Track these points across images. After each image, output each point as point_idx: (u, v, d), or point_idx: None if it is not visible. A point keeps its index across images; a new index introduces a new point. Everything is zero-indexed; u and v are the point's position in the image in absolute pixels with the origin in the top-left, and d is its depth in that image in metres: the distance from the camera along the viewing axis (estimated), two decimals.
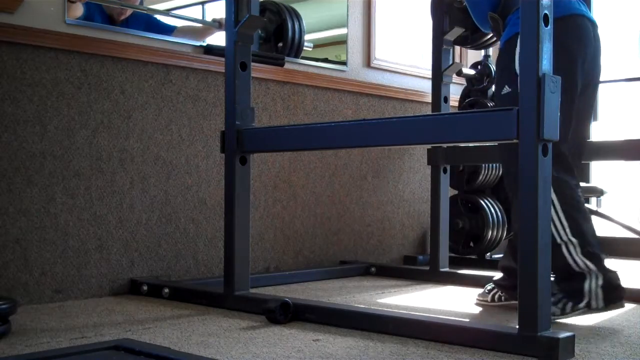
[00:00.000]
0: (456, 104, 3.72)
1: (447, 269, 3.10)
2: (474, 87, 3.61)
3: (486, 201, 3.53)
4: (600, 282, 2.11)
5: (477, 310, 2.39)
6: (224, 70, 2.39)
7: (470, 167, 3.55)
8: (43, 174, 2.41)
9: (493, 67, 3.56)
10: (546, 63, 1.71)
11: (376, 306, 2.39)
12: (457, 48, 3.93)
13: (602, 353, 1.75)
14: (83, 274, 2.50)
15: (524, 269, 1.72)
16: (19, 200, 2.35)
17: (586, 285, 2.11)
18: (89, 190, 2.52)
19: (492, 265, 3.42)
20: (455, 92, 3.61)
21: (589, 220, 2.19)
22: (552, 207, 2.09)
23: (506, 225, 3.52)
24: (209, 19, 3.22)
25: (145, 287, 2.56)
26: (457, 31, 3.07)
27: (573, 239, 2.12)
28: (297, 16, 3.30)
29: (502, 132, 1.77)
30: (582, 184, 4.16)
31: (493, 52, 3.65)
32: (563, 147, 2.17)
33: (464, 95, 3.68)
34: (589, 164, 4.37)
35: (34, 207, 2.38)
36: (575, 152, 2.36)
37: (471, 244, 3.59)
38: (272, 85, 3.11)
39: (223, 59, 2.39)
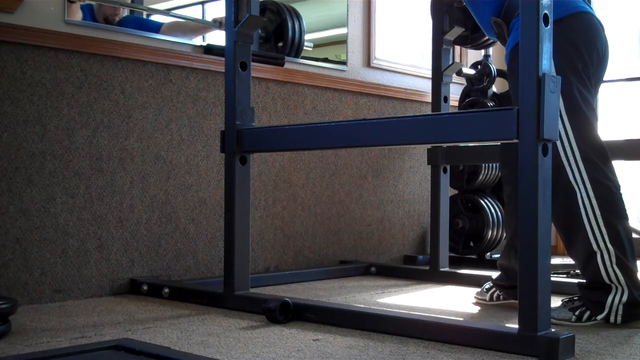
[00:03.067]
0: (456, 103, 3.72)
1: (447, 269, 3.10)
2: (474, 87, 3.61)
3: (486, 201, 3.53)
4: (625, 298, 2.06)
5: (477, 310, 2.39)
6: (224, 70, 2.39)
7: (470, 167, 3.55)
8: (43, 173, 2.41)
9: (493, 67, 3.56)
10: (546, 63, 1.71)
11: (376, 306, 2.39)
12: (457, 48, 3.93)
13: (602, 353, 1.75)
14: (83, 274, 2.50)
15: (524, 269, 1.72)
16: (19, 200, 2.35)
17: (609, 299, 2.07)
18: (89, 190, 2.52)
19: (492, 265, 3.42)
20: (455, 92, 3.61)
21: (628, 227, 2.14)
22: (592, 212, 2.08)
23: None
24: (209, 18, 3.23)
25: (145, 287, 2.56)
26: (457, 31, 3.07)
27: (610, 247, 2.07)
28: (297, 16, 3.30)
29: (502, 132, 1.77)
30: None
31: (493, 52, 3.65)
32: (603, 146, 2.13)
33: (464, 95, 3.68)
34: None
35: (34, 206, 2.38)
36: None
37: (471, 244, 3.59)
38: (272, 85, 3.11)
39: (223, 59, 2.39)
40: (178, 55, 2.77)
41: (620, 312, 2.06)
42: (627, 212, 2.15)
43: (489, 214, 3.48)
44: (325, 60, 3.46)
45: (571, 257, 2.19)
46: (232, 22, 2.33)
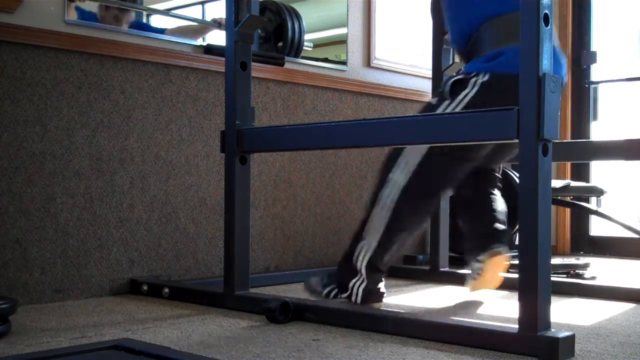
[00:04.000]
0: None
1: (447, 269, 3.10)
2: None
3: None
4: (364, 285, 2.27)
5: (477, 310, 2.39)
6: (224, 70, 2.39)
7: None
8: (43, 173, 2.41)
9: None
10: (546, 63, 1.71)
11: None
12: None
13: (602, 353, 1.75)
14: (83, 274, 2.50)
15: (524, 269, 1.72)
16: (19, 200, 2.35)
17: (351, 283, 2.28)
18: (89, 190, 2.52)
19: None
20: None
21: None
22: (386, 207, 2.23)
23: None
24: (208, 18, 3.23)
25: (145, 287, 2.56)
26: None
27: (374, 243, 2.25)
28: (297, 16, 3.30)
29: (502, 131, 1.77)
30: (582, 184, 4.17)
31: None
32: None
33: None
34: (588, 163, 4.38)
35: (34, 206, 2.38)
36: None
37: None
38: (272, 85, 3.11)
39: (223, 59, 2.39)
40: (178, 55, 2.77)
41: (360, 294, 2.27)
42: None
43: None
44: (325, 60, 3.46)
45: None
46: (232, 22, 2.33)
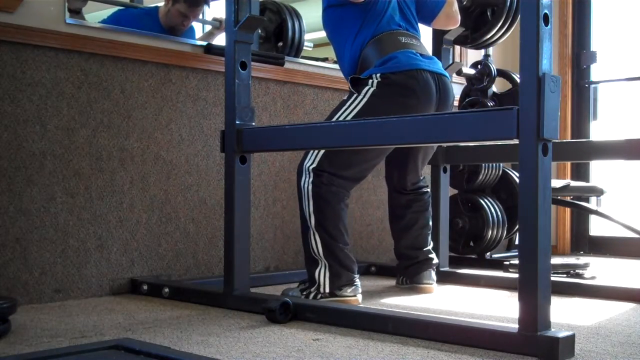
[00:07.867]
0: (456, 103, 3.72)
1: (447, 269, 3.10)
2: (474, 87, 3.61)
3: (486, 201, 3.53)
4: (328, 272, 2.39)
5: (477, 310, 2.39)
6: (224, 70, 2.39)
7: (470, 167, 3.55)
8: (43, 173, 2.41)
9: (493, 67, 3.55)
10: (546, 63, 1.71)
11: (376, 306, 2.39)
12: (457, 48, 3.93)
13: (602, 353, 1.75)
14: (83, 274, 2.50)
15: (524, 269, 1.72)
16: (19, 200, 2.35)
17: (316, 273, 2.41)
18: (88, 189, 2.52)
19: (492, 264, 3.42)
20: (455, 92, 3.60)
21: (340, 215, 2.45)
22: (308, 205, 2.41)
23: (506, 225, 3.52)
24: (209, 18, 3.23)
25: (145, 287, 2.56)
26: (457, 31, 3.07)
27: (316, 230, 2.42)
28: (297, 16, 3.30)
29: (502, 131, 1.77)
30: (582, 184, 4.17)
31: (493, 51, 3.65)
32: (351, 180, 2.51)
33: (464, 95, 3.68)
34: (588, 163, 4.38)
35: (34, 206, 2.38)
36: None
37: (471, 244, 3.59)
38: (272, 84, 3.11)
39: (223, 59, 2.39)
40: (178, 55, 2.77)
41: (327, 283, 2.38)
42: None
43: (489, 214, 3.48)
44: (326, 60, 3.46)
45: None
46: (232, 21, 2.33)
